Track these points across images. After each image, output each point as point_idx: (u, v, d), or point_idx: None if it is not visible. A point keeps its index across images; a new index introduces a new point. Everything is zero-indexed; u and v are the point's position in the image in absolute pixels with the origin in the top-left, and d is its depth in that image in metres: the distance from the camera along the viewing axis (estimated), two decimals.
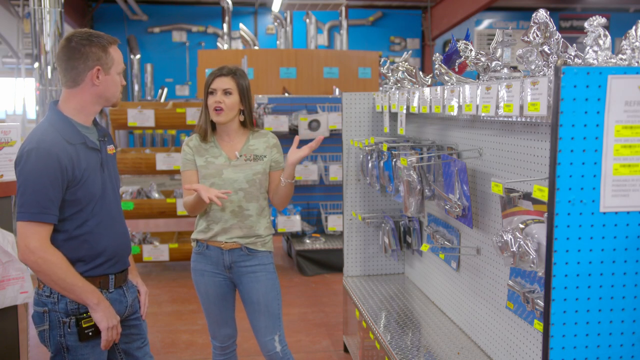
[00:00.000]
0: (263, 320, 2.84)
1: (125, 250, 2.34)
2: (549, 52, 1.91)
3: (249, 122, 2.87)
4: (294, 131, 6.17)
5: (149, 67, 15.02)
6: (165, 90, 14.77)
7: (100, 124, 2.34)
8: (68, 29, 13.36)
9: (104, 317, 2.15)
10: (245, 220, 2.81)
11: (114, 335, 2.19)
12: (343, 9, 10.46)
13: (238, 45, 13.48)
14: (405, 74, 3.41)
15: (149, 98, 14.87)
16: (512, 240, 1.99)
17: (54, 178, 2.06)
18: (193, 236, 2.90)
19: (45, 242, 2.07)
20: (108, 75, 2.20)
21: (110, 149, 2.33)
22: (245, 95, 2.82)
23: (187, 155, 2.85)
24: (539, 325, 2.18)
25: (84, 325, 2.15)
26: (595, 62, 1.84)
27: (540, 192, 1.81)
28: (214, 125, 2.86)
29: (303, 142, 6.71)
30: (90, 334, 2.16)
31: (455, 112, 2.51)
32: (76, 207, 2.14)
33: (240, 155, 2.83)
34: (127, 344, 2.39)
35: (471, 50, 2.47)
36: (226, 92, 2.77)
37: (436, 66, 2.78)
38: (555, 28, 1.92)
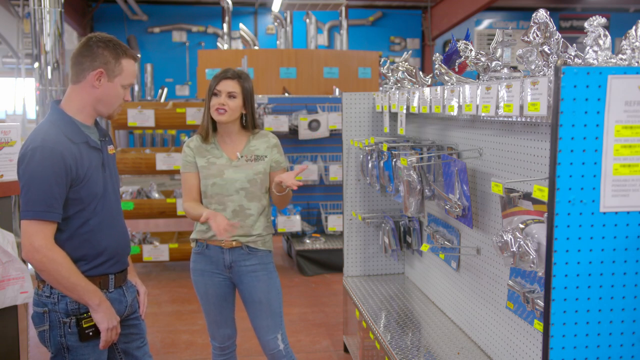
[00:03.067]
0: (265, 319, 2.85)
1: (125, 250, 2.34)
2: (549, 52, 1.91)
3: (251, 124, 2.89)
4: (294, 131, 6.17)
5: (149, 67, 15.02)
6: (165, 90, 14.77)
7: (100, 124, 2.35)
8: (68, 29, 13.40)
9: (105, 317, 2.15)
10: (246, 220, 2.82)
11: (113, 335, 2.20)
12: (343, 9, 10.45)
13: (238, 45, 13.47)
14: (405, 74, 3.41)
15: (149, 98, 14.87)
16: (512, 240, 1.99)
17: (59, 176, 2.06)
18: (192, 236, 2.90)
19: (50, 241, 2.07)
20: (111, 83, 2.18)
21: (111, 149, 2.33)
22: (248, 99, 2.84)
23: (187, 157, 2.85)
24: (539, 325, 2.18)
25: (84, 325, 2.15)
26: (595, 62, 1.84)
27: (540, 192, 1.81)
28: (215, 127, 2.87)
29: (303, 142, 6.72)
30: (90, 334, 2.16)
31: (455, 112, 2.51)
32: (79, 205, 2.15)
33: (242, 156, 2.84)
34: (126, 343, 2.39)
35: (471, 50, 2.47)
36: (230, 96, 2.78)
37: (436, 66, 2.78)
38: (555, 28, 1.92)
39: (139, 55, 2.60)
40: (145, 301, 2.47)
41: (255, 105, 6.09)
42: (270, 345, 2.86)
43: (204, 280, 2.87)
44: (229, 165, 2.81)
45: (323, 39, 14.72)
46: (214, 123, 2.85)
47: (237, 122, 2.85)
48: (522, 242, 1.97)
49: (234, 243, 2.82)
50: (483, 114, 2.25)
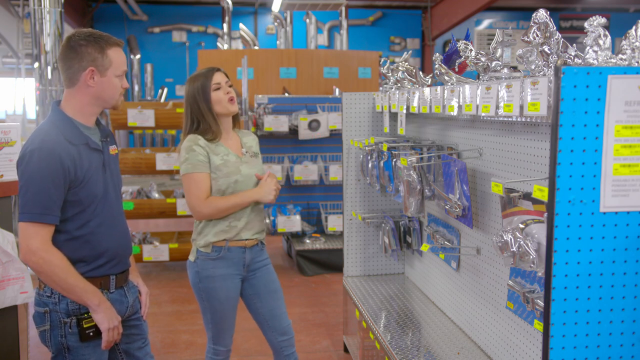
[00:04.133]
0: (283, 306, 2.94)
1: (126, 251, 2.34)
2: (549, 52, 1.91)
3: (237, 119, 2.95)
4: (294, 131, 6.17)
5: (149, 67, 15.02)
6: (165, 90, 14.77)
7: (102, 124, 2.34)
8: (68, 29, 13.38)
9: (105, 317, 2.15)
10: (260, 214, 2.88)
11: (115, 335, 2.19)
12: (343, 9, 10.45)
13: (238, 45, 13.48)
14: (405, 74, 3.41)
15: (149, 98, 14.88)
16: (512, 240, 1.99)
17: (56, 178, 2.06)
18: (210, 240, 2.76)
19: (46, 243, 2.07)
20: (104, 77, 2.16)
21: (113, 149, 2.32)
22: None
23: (199, 157, 2.72)
24: (539, 325, 2.18)
25: (85, 326, 2.15)
26: (595, 62, 1.84)
27: (540, 192, 1.81)
28: None
29: (303, 142, 6.70)
30: (91, 334, 2.16)
31: (455, 112, 2.51)
32: (78, 207, 2.14)
33: (246, 152, 2.88)
34: (128, 344, 2.39)
35: (471, 50, 2.47)
36: (229, 85, 2.83)
37: (436, 66, 2.78)
38: (555, 28, 1.92)
39: (122, 41, 2.57)
40: (147, 302, 2.46)
41: (255, 105, 6.07)
42: (289, 330, 2.93)
43: (226, 285, 2.78)
44: (239, 161, 2.82)
45: (323, 39, 14.72)
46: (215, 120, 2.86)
47: (231, 116, 2.88)
48: (522, 242, 1.97)
49: (255, 241, 2.84)
50: (483, 114, 2.25)
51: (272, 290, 2.90)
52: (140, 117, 5.86)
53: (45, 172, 2.04)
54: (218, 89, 2.77)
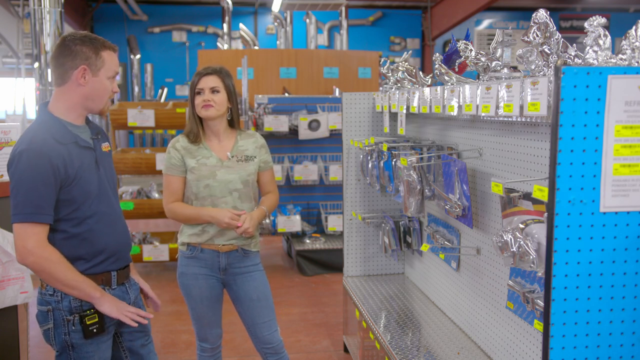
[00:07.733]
0: (266, 315, 2.89)
1: (126, 247, 2.35)
2: (549, 52, 1.91)
3: (237, 121, 2.89)
4: (294, 131, 6.17)
5: (149, 67, 15.03)
6: (165, 90, 14.78)
7: (93, 121, 2.34)
8: (68, 29, 13.39)
9: (112, 306, 2.17)
10: None
11: (131, 315, 2.19)
12: (343, 9, 10.45)
13: (238, 45, 13.49)
14: (405, 74, 3.41)
15: (148, 98, 14.89)
16: (512, 240, 1.99)
17: (46, 178, 2.06)
18: (184, 240, 2.85)
19: (42, 242, 2.08)
20: (96, 77, 2.18)
21: (105, 146, 2.32)
22: (232, 94, 2.83)
23: (172, 160, 2.80)
24: (539, 325, 2.18)
25: (88, 322, 2.16)
26: (595, 62, 1.84)
27: (540, 192, 1.81)
28: (202, 127, 2.85)
29: (303, 142, 6.70)
30: (94, 330, 2.17)
31: (455, 112, 2.51)
32: (72, 206, 2.15)
33: (232, 156, 2.83)
34: (131, 341, 2.40)
35: (471, 50, 2.47)
36: (214, 91, 2.77)
37: (436, 66, 2.78)
38: (555, 28, 1.92)
39: (117, 46, 2.61)
40: (153, 294, 2.49)
41: (255, 105, 6.03)
42: (273, 339, 2.89)
43: (198, 283, 2.85)
44: (220, 165, 2.79)
45: (323, 39, 14.73)
46: (201, 124, 2.84)
47: (224, 119, 2.84)
48: (522, 242, 1.97)
49: (231, 247, 2.82)
50: (483, 114, 2.25)
51: (254, 298, 2.87)
52: (140, 117, 5.86)
53: (35, 172, 2.05)
54: (198, 94, 2.78)
